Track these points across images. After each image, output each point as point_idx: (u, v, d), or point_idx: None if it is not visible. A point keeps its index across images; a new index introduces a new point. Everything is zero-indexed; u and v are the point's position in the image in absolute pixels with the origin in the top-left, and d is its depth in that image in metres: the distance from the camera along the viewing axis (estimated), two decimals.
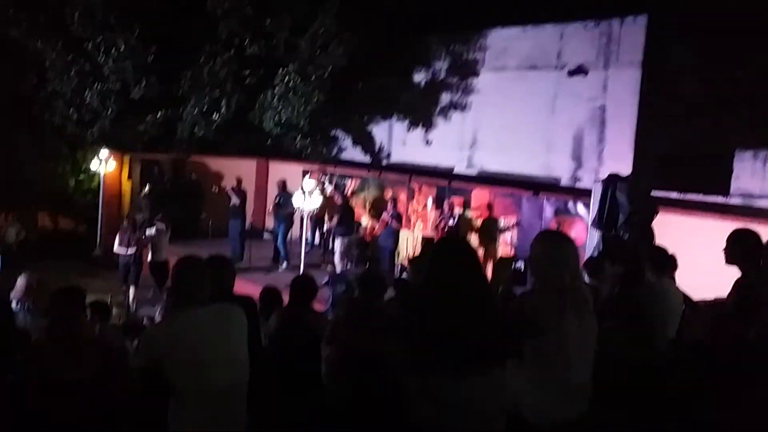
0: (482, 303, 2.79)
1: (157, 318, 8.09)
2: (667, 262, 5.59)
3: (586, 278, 5.94)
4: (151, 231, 13.03)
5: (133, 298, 12.88)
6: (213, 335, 3.42)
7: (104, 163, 15.42)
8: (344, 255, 13.31)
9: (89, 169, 16.25)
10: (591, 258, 7.46)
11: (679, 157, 11.28)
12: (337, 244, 13.33)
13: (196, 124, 15.29)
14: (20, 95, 15.00)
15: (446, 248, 3.07)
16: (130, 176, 16.71)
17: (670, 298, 5.26)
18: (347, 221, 13.53)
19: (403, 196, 14.81)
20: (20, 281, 10.37)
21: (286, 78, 14.74)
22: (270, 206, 15.52)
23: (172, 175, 17.37)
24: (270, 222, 15.60)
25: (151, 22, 14.34)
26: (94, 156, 15.67)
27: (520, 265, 4.81)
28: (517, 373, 2.89)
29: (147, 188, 16.12)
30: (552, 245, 3.42)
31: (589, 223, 9.76)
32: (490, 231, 13.10)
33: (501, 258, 12.48)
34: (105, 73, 14.48)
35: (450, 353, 2.66)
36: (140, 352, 3.66)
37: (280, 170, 16.53)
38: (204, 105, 15.01)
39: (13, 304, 9.19)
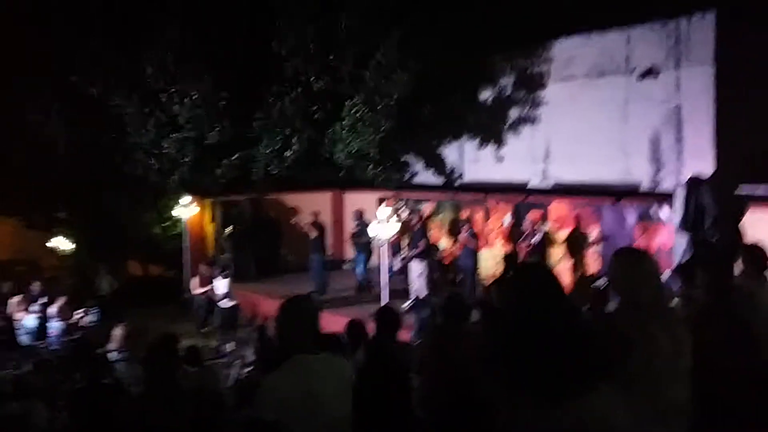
0: (571, 328, 2.72)
1: (249, 358, 8.24)
2: (764, 261, 5.30)
3: (678, 286, 5.72)
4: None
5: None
6: (325, 387, 3.46)
7: (187, 209, 15.88)
8: (424, 279, 13.28)
9: (173, 215, 16.78)
10: (681, 264, 7.21)
11: (763, 150, 10.84)
12: (417, 268, 13.29)
13: (270, 163, 15.61)
14: (102, 149, 15.57)
15: (527, 277, 3.01)
16: (212, 219, 17.15)
17: None
18: (425, 245, 13.47)
19: (479, 215, 14.69)
20: (117, 332, 10.82)
21: (354, 109, 14.89)
22: (348, 236, 15.66)
23: (251, 215, 17.75)
24: (350, 252, 15.69)
25: (220, 70, 14.78)
26: (176, 202, 16.20)
27: (602, 282, 4.67)
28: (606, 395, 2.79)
29: (228, 229, 16.50)
30: (629, 262, 3.36)
31: (675, 227, 9.45)
32: (578, 243, 12.84)
33: (582, 276, 12.20)
34: (180, 122, 14.97)
35: (543, 382, 2.60)
36: (261, 405, 3.49)
37: (355, 200, 16.66)
38: (276, 144, 15.30)
39: (114, 354, 9.57)
